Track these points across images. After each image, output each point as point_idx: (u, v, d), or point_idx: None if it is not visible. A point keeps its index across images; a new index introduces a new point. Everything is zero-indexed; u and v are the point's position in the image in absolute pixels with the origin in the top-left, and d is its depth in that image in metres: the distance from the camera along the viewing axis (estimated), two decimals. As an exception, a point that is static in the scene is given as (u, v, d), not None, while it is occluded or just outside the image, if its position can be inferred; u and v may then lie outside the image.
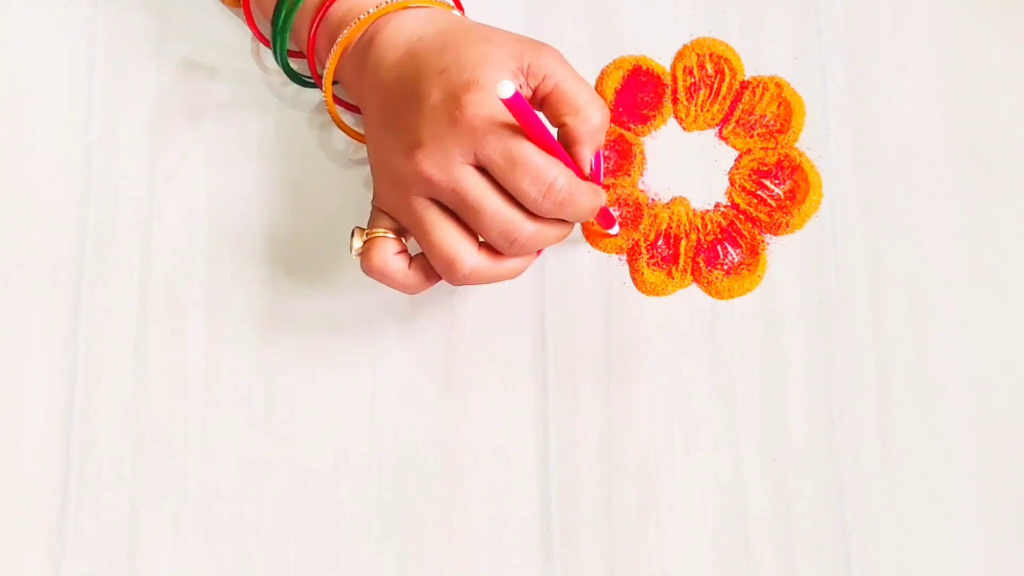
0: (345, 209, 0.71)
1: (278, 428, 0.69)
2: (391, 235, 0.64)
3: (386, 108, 0.64)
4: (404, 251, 0.65)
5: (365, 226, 0.65)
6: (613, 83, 0.72)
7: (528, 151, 0.61)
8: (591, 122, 0.63)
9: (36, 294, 0.70)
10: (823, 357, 0.69)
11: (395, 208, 0.64)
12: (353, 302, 0.70)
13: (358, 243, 0.65)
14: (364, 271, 0.65)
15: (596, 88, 0.72)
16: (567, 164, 0.63)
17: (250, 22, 0.69)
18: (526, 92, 0.63)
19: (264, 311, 0.70)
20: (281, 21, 0.67)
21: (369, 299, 0.70)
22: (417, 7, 0.65)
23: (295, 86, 0.71)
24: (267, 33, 0.70)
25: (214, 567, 0.67)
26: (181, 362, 0.69)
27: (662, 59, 0.73)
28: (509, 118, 0.61)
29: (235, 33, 0.73)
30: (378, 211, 0.65)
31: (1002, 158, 0.72)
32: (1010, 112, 0.72)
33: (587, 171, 0.64)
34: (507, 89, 0.56)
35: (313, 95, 0.72)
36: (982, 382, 0.69)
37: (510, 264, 0.65)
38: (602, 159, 0.65)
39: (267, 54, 0.72)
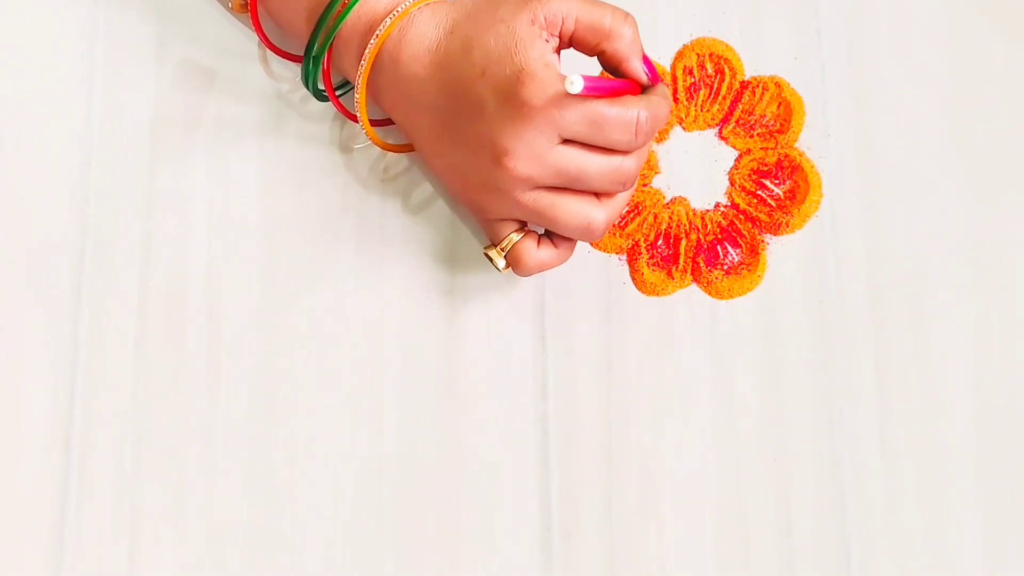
0: (346, 208, 0.71)
1: (278, 428, 0.68)
2: (521, 235, 0.66)
3: (443, 126, 0.65)
4: (537, 237, 0.67)
5: (488, 244, 0.68)
6: (613, 83, 0.72)
7: (603, 109, 0.63)
8: (625, 38, 0.65)
9: (36, 294, 0.70)
10: (823, 357, 0.69)
11: (506, 211, 0.66)
12: (353, 302, 0.70)
13: (501, 261, 0.67)
14: (523, 276, 0.68)
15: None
16: (632, 90, 0.65)
17: (258, 29, 0.69)
18: (553, 43, 0.64)
19: (264, 311, 0.70)
20: (316, 47, 0.67)
21: (369, 299, 0.70)
22: (419, 7, 0.65)
23: (295, 86, 0.71)
24: (276, 40, 0.70)
25: (214, 567, 0.67)
26: (181, 363, 0.69)
27: (662, 59, 0.73)
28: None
29: (235, 34, 0.73)
30: (492, 222, 0.67)
31: (1002, 158, 0.72)
32: (1010, 112, 0.72)
33: (645, 80, 0.65)
34: (577, 84, 0.59)
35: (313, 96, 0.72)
36: (981, 382, 0.69)
37: (627, 193, 0.67)
38: (650, 60, 0.66)
39: (267, 54, 0.72)
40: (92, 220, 0.70)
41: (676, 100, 0.73)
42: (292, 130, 0.72)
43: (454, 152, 0.66)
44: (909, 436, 0.68)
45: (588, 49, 0.65)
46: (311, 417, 0.69)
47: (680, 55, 0.73)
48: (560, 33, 0.64)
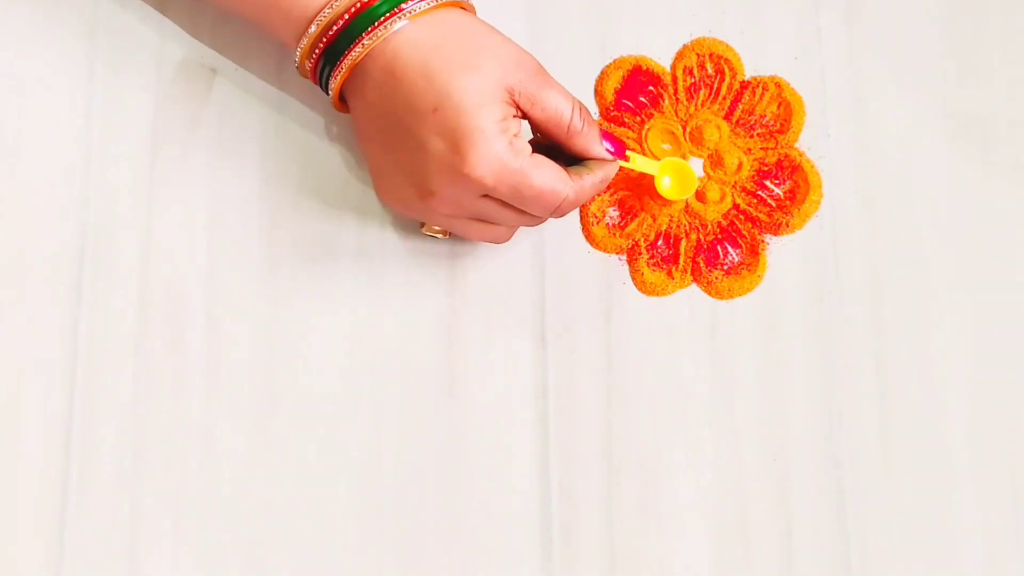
0: (345, 207, 0.71)
1: (278, 428, 0.69)
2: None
3: (382, 135, 0.65)
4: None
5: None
6: (613, 83, 0.72)
7: (533, 187, 0.63)
8: (583, 133, 0.65)
9: (36, 294, 0.70)
10: (823, 357, 0.69)
11: (419, 218, 0.69)
12: (353, 302, 0.70)
13: (438, 235, 0.69)
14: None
15: (596, 88, 0.72)
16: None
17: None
18: (518, 116, 0.64)
19: (263, 312, 0.70)
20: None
21: (369, 299, 0.70)
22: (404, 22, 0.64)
23: (295, 86, 0.71)
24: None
25: (214, 567, 0.67)
26: (181, 362, 0.69)
27: (662, 59, 0.73)
28: (513, 161, 0.63)
29: (235, 34, 0.73)
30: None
31: (1002, 158, 0.72)
32: (1010, 112, 0.72)
33: (607, 157, 0.66)
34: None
35: (313, 96, 0.72)
36: (981, 382, 0.69)
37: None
38: (611, 137, 0.67)
39: (265, 55, 0.72)
40: (92, 220, 0.70)
41: (676, 100, 0.73)
42: (292, 130, 0.72)
43: (389, 168, 0.66)
44: (909, 436, 0.69)
45: (548, 139, 0.66)
46: (311, 417, 0.69)
47: (680, 55, 0.73)
48: (524, 113, 0.65)
